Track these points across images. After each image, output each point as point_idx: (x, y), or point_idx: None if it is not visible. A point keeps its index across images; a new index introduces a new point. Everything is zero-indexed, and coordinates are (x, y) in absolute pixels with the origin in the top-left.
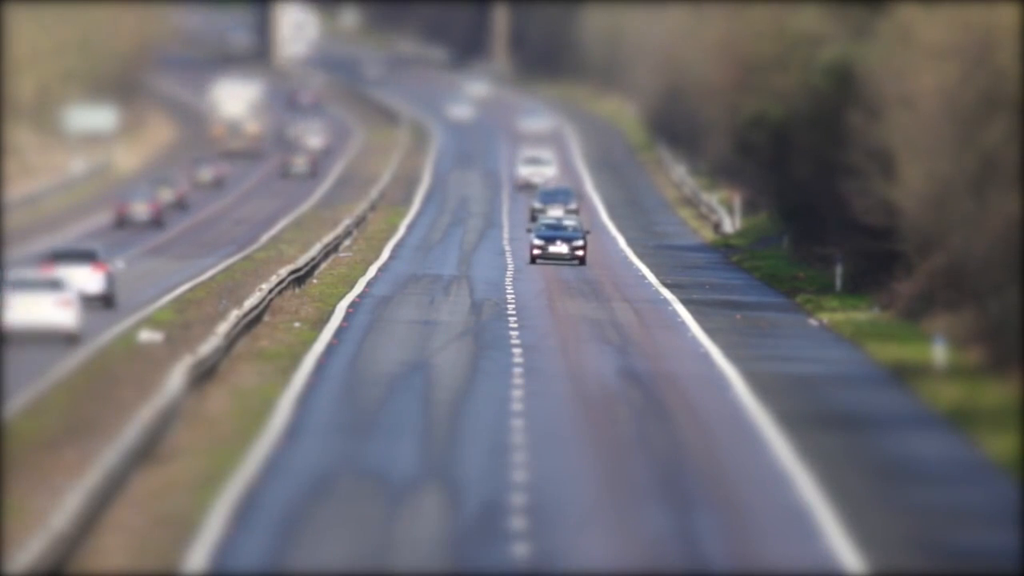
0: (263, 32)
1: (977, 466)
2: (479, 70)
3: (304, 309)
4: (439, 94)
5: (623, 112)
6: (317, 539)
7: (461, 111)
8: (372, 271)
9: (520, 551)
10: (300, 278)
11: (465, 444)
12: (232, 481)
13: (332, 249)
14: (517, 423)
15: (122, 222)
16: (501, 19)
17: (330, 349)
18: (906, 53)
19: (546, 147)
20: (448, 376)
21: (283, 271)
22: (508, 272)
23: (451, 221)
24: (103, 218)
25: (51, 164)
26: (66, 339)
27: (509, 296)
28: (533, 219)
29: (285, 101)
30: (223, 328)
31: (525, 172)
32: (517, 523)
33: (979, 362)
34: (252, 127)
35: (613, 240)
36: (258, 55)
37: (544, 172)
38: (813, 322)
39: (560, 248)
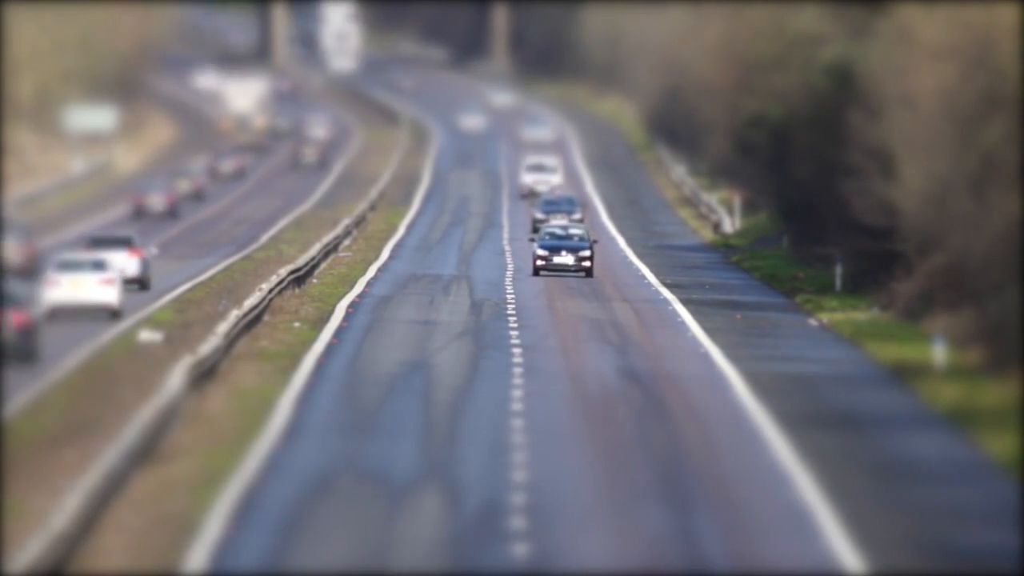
0: (263, 32)
1: (977, 466)
2: (500, 78)
3: (304, 309)
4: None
5: (623, 112)
6: (317, 539)
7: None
8: (372, 271)
9: (520, 551)
10: (300, 278)
11: (465, 444)
12: (232, 481)
13: (332, 249)
14: (517, 423)
15: (139, 213)
16: (501, 19)
17: (330, 349)
18: (906, 53)
19: (550, 154)
20: (448, 376)
21: (283, 271)
22: (508, 272)
23: (451, 221)
24: (103, 218)
25: (51, 164)
26: (110, 314)
27: (509, 296)
28: (535, 230)
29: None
30: (223, 328)
31: (529, 180)
32: (517, 523)
33: (979, 362)
34: (259, 122)
35: (613, 240)
36: (258, 55)
37: (549, 179)
38: (813, 322)
39: (565, 259)
